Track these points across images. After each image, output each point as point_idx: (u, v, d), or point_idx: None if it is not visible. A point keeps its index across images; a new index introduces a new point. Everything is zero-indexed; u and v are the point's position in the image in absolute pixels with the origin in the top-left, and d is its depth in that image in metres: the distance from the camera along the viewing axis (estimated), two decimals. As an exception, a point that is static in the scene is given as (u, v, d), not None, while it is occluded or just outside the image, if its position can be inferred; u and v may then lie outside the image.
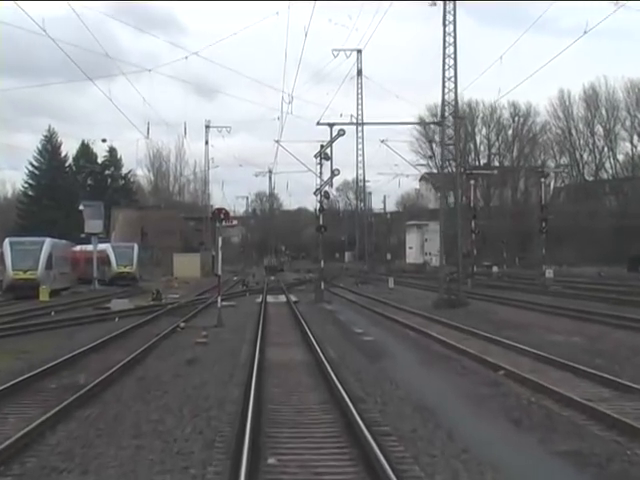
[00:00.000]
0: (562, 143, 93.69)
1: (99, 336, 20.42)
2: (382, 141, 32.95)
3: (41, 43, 78.23)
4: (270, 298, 40.03)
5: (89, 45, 73.04)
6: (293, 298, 38.58)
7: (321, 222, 37.06)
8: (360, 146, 58.27)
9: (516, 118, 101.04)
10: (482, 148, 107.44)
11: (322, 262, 37.10)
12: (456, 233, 35.29)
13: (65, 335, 21.67)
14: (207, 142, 74.19)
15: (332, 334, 21.65)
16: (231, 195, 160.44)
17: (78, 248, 57.19)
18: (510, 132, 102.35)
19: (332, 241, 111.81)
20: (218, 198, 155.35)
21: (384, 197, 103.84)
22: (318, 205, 36.77)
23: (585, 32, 27.69)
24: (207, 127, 73.19)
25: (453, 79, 31.28)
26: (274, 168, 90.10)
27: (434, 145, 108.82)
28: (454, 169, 33.52)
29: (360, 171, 62.30)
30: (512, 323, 24.51)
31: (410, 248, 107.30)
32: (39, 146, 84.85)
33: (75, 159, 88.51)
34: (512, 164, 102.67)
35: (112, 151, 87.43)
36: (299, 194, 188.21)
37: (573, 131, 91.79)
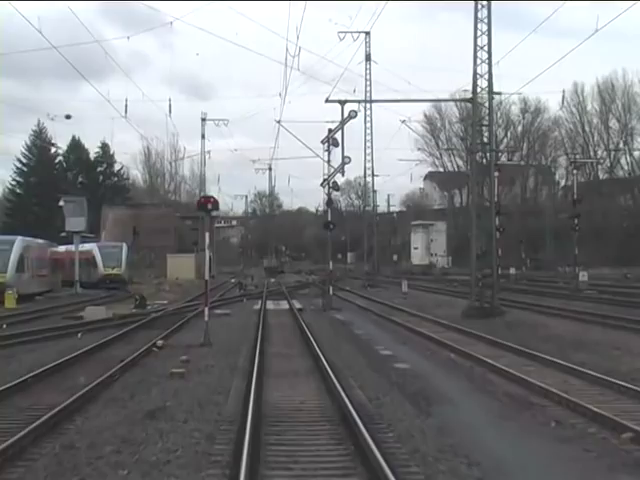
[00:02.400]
0: (574, 139, 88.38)
1: (44, 362, 15.14)
2: (403, 121, 27.50)
3: (32, 43, 73.54)
4: (270, 304, 34.77)
5: (79, 44, 67.68)
6: (297, 305, 33.31)
7: (329, 217, 31.68)
8: (369, 131, 52.41)
9: (526, 114, 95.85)
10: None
11: (330, 264, 31.67)
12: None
13: (2, 359, 16.35)
14: (203, 136, 69.00)
15: (352, 358, 16.33)
16: (229, 195, 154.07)
17: (63, 248, 51.93)
18: (520, 128, 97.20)
19: (334, 241, 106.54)
20: (219, 198, 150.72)
21: (388, 196, 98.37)
22: (326, 198, 31.37)
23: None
24: (203, 120, 67.89)
25: (487, 48, 26.06)
26: (275, 153, 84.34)
27: (440, 143, 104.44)
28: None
29: (368, 163, 56.18)
30: (573, 341, 19.22)
31: (415, 249, 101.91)
32: (27, 142, 79.36)
33: (65, 155, 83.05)
34: (520, 161, 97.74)
35: (104, 147, 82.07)
36: (299, 194, 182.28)
37: (587, 126, 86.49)
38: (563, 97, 74.98)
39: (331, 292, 31.09)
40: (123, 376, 14.09)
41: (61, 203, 45.13)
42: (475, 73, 26.28)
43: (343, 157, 28.91)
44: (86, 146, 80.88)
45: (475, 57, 26.18)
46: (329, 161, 30.23)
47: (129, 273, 54.38)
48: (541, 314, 27.37)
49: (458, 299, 37.24)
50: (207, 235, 19.11)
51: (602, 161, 78.09)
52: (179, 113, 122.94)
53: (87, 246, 51.54)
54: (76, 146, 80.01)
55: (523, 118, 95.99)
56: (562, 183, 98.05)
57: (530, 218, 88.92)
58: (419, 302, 34.48)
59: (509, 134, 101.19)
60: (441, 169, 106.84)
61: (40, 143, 79.21)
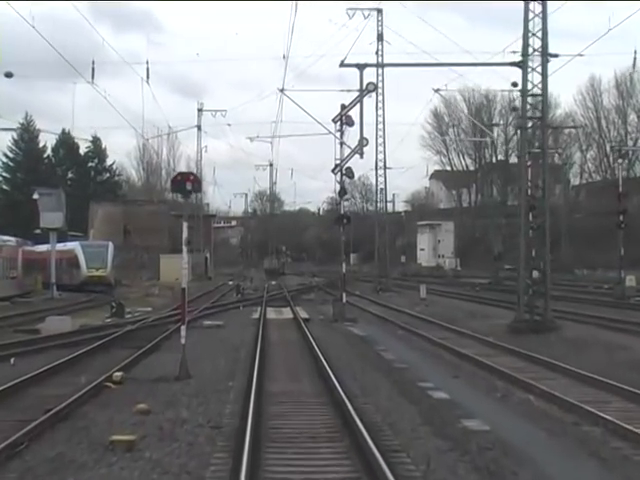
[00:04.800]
0: (590, 135, 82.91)
1: None
2: (436, 90, 22.00)
3: (21, 41, 68.64)
4: (271, 312, 29.36)
5: (68, 43, 62.38)
6: (302, 313, 27.92)
7: (342, 210, 26.20)
8: (381, 120, 46.60)
9: (536, 111, 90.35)
10: (499, 142, 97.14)
11: (344, 265, 26.04)
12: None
13: None
14: (199, 127, 63.46)
15: (394, 407, 10.82)
16: (228, 196, 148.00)
17: (45, 248, 46.42)
18: (530, 124, 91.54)
19: (336, 242, 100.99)
20: (217, 198, 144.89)
21: (393, 195, 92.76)
22: (338, 187, 25.80)
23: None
24: (199, 110, 62.44)
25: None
26: (278, 130, 77.91)
27: (447, 140, 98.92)
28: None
29: (380, 154, 49.85)
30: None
31: (422, 250, 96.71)
32: (14, 136, 73.58)
33: (54, 150, 77.28)
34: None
35: (96, 141, 76.27)
36: (301, 194, 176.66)
37: (603, 121, 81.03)
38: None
39: (344, 299, 25.55)
40: (35, 444, 8.67)
41: (35, 196, 39.52)
42: (526, 30, 20.88)
43: (362, 134, 23.38)
44: (76, 140, 75.11)
45: (527, 10, 20.80)
46: (342, 144, 24.76)
47: (116, 275, 48.93)
48: (603, 329, 21.97)
49: (489, 307, 32.03)
50: (185, 226, 13.65)
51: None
52: (174, 114, 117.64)
53: (69, 245, 46.08)
54: (66, 140, 74.33)
55: (534, 114, 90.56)
56: (575, 182, 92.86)
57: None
58: (444, 311, 29.11)
59: (519, 131, 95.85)
60: (448, 167, 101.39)
61: (28, 137, 73.71)
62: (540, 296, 21.69)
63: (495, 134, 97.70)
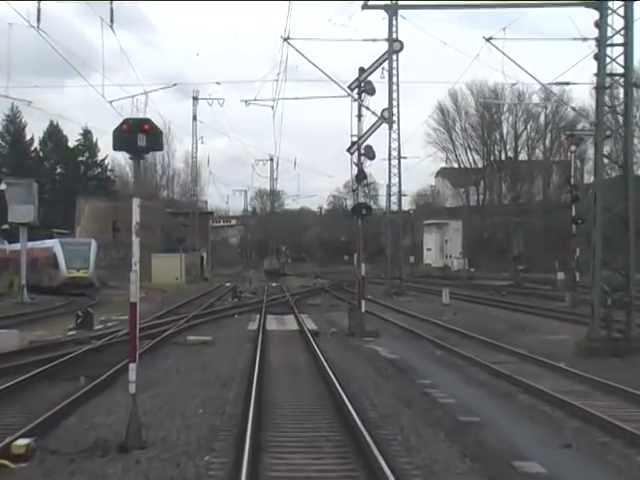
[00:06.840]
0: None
1: None
2: (488, 39, 17.06)
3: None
4: (272, 322, 24.27)
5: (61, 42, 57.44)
6: (309, 323, 22.80)
7: (359, 198, 20.98)
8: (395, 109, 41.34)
9: (548, 104, 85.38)
10: (509, 139, 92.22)
11: (362, 267, 20.61)
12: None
13: None
14: (195, 117, 58.47)
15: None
16: (227, 194, 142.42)
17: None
18: (541, 120, 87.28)
19: (336, 243, 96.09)
20: (216, 196, 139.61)
21: (399, 193, 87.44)
22: (355, 170, 20.55)
23: None
24: (195, 99, 57.38)
25: None
26: (280, 91, 71.85)
27: (454, 135, 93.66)
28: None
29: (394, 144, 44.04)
30: None
31: (428, 250, 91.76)
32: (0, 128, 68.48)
33: (42, 143, 72.04)
34: (544, 155, 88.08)
35: (86, 134, 71.13)
36: (302, 192, 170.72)
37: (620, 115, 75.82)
38: None
39: (363, 309, 20.32)
40: None
41: (2, 187, 34.39)
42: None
43: (390, 95, 17.93)
44: (64, 132, 69.96)
45: None
46: (360, 112, 19.55)
47: (101, 275, 43.93)
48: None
49: (529, 316, 26.77)
50: (137, 204, 8.43)
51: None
52: (169, 113, 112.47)
53: (47, 243, 41.10)
54: (54, 133, 69.16)
55: (545, 108, 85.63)
56: (590, 179, 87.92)
57: (557, 216, 78.49)
58: (478, 320, 23.97)
59: (529, 127, 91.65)
60: (455, 165, 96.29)
61: (14, 129, 68.62)
62: (619, 306, 16.47)
63: (505, 130, 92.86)
